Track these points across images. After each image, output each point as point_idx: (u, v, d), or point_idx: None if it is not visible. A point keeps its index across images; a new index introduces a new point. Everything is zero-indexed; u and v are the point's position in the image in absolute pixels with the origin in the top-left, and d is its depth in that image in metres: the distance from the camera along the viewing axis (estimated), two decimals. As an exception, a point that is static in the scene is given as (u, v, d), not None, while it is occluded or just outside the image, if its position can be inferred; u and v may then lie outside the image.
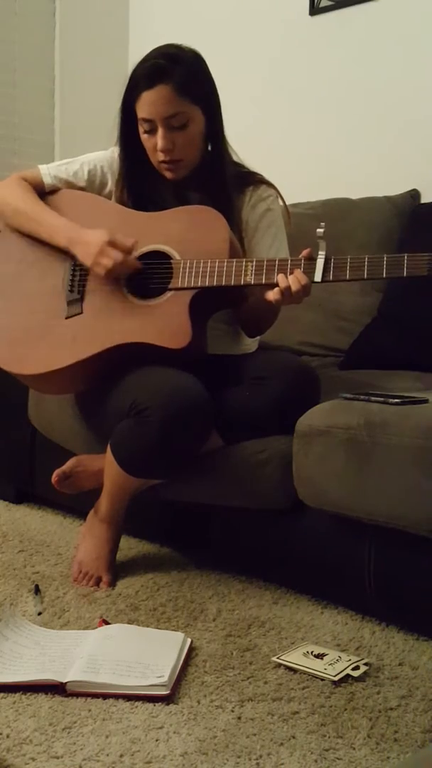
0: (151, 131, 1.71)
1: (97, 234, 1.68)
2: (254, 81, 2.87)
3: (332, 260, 1.56)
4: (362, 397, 1.53)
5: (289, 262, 1.59)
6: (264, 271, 1.60)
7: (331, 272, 1.56)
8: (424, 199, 2.41)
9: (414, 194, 2.42)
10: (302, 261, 1.58)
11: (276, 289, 1.57)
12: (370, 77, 2.59)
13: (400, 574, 1.48)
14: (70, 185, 1.85)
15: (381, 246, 2.26)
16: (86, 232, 1.70)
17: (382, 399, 1.50)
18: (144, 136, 1.74)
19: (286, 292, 1.56)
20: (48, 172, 1.85)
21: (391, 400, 1.49)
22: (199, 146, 1.76)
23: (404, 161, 2.49)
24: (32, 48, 3.08)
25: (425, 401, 1.50)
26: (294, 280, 1.56)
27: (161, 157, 1.73)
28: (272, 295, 1.58)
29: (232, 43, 2.91)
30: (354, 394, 1.55)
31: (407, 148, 2.49)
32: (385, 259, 1.53)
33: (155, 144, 1.72)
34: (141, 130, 1.74)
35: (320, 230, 1.56)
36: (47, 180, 1.85)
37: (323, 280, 1.57)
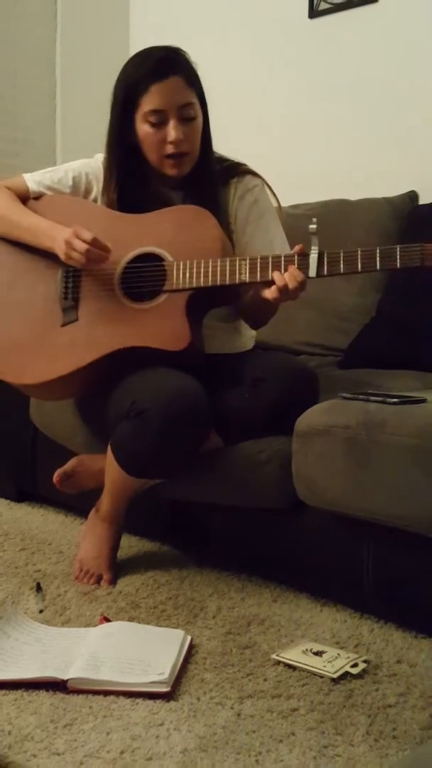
0: (160, 124, 1.69)
1: (62, 230, 1.67)
2: (253, 83, 2.88)
3: (326, 255, 1.57)
4: (361, 396, 1.54)
5: (283, 258, 1.60)
6: (258, 268, 1.60)
7: (326, 267, 1.57)
8: (422, 201, 2.42)
9: (412, 196, 2.42)
10: (295, 257, 1.59)
11: (273, 287, 1.58)
12: (369, 79, 2.60)
13: (398, 572, 1.49)
14: (55, 192, 1.83)
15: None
16: (59, 230, 1.69)
17: (380, 398, 1.51)
18: (150, 131, 1.70)
19: (283, 289, 1.57)
20: (32, 179, 1.84)
21: (389, 400, 1.49)
22: (199, 143, 1.75)
23: (403, 163, 2.49)
24: (33, 49, 3.08)
25: (423, 401, 1.51)
26: (290, 278, 1.56)
27: (170, 150, 1.70)
28: (269, 293, 1.59)
29: (231, 45, 2.91)
30: (353, 394, 1.56)
31: (406, 149, 2.50)
32: (378, 251, 1.53)
33: (163, 138, 1.69)
34: (145, 125, 1.70)
35: (313, 226, 1.56)
36: (32, 186, 1.83)
37: (318, 275, 1.57)
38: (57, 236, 1.68)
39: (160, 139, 1.70)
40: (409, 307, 2.13)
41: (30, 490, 2.36)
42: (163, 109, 1.68)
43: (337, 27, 2.67)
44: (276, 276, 1.58)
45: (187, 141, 1.71)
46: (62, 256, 1.67)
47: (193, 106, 1.70)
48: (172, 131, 1.69)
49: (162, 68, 1.67)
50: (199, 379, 1.63)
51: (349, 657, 1.36)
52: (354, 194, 2.46)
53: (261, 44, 2.87)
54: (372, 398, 1.52)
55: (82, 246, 1.63)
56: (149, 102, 1.68)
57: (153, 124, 1.70)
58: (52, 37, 3.13)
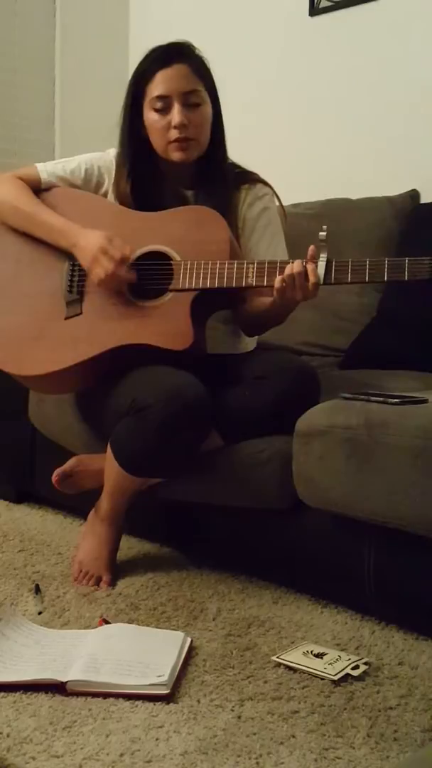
0: (165, 109, 1.72)
1: (93, 238, 1.67)
2: (254, 81, 2.87)
3: (334, 262, 1.57)
4: (362, 396, 1.53)
5: (291, 263, 1.59)
6: (265, 273, 1.60)
7: (333, 274, 1.57)
8: (423, 200, 2.41)
9: (414, 194, 2.42)
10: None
11: (279, 278, 1.57)
12: (370, 77, 2.59)
13: (399, 574, 1.48)
14: (67, 183, 1.84)
15: (381, 246, 2.26)
16: (85, 235, 1.69)
17: (381, 399, 1.51)
18: (155, 117, 1.73)
19: (289, 279, 1.56)
20: (44, 169, 1.85)
21: (390, 400, 1.49)
22: (208, 132, 1.77)
23: (404, 161, 2.49)
24: (32, 48, 3.08)
25: (425, 401, 1.50)
26: (311, 270, 1.55)
27: (174, 135, 1.72)
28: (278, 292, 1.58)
29: (231, 43, 2.91)
30: (354, 394, 1.55)
31: (407, 148, 2.49)
32: (386, 262, 1.53)
33: (168, 123, 1.72)
34: (152, 113, 1.73)
35: (323, 234, 1.57)
36: (43, 176, 1.84)
37: (325, 282, 1.57)
38: (75, 241, 1.70)
39: (165, 125, 1.73)
40: (409, 307, 2.13)
41: (29, 491, 2.35)
42: (167, 94, 1.71)
43: (338, 24, 2.66)
44: (295, 264, 1.57)
45: (191, 126, 1.73)
46: (85, 266, 1.69)
47: (198, 93, 1.73)
48: (176, 115, 1.71)
49: (167, 56, 1.72)
50: (199, 378, 1.62)
51: (350, 659, 1.35)
52: (355, 193, 2.46)
53: (261, 42, 2.87)
54: (373, 398, 1.52)
55: (110, 266, 1.64)
56: (154, 88, 1.72)
57: (158, 110, 1.73)
58: (51, 36, 3.13)
